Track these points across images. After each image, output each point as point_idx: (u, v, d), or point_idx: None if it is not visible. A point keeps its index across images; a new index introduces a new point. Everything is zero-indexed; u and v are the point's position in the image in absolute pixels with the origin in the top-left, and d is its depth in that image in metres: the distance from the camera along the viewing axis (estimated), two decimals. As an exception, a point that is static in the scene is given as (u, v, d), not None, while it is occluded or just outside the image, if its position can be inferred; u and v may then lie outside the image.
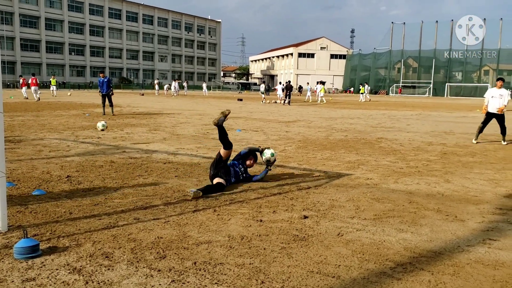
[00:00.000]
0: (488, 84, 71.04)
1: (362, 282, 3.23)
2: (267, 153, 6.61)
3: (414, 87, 78.94)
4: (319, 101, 38.78)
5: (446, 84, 73.95)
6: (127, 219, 4.58)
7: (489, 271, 3.49)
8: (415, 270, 3.45)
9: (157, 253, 3.68)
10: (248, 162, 6.52)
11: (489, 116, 11.91)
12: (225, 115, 6.19)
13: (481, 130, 11.96)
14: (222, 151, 6.20)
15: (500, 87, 11.92)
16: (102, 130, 9.67)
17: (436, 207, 5.35)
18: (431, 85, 75.68)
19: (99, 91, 19.27)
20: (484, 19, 71.38)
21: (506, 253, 3.86)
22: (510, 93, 11.77)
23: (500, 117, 11.85)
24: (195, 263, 3.50)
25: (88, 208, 4.96)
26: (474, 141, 11.83)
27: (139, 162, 7.86)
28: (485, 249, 3.96)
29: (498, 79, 12.34)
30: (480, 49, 72.46)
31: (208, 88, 69.38)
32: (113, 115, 18.70)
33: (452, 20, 73.99)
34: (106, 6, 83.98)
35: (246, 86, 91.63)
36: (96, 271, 3.31)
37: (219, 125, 6.17)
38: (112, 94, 19.26)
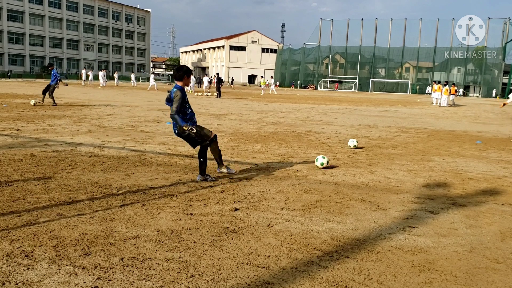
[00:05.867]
0: (409, 81, 75.27)
1: (290, 271, 3.30)
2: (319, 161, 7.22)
3: (341, 82, 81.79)
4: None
5: (371, 79, 77.38)
6: (49, 215, 4.35)
7: (409, 256, 3.70)
8: (341, 258, 3.59)
9: (82, 250, 3.53)
10: None
11: None
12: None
13: None
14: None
15: None
16: (355, 147, 9.43)
17: (360, 197, 5.58)
18: (357, 81, 78.84)
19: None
20: (406, 18, 75.26)
21: (423, 239, 4.12)
22: None
23: None
24: (122, 259, 3.39)
25: (5, 204, 4.65)
26: None
27: (63, 156, 7.49)
28: (405, 236, 4.20)
29: None
30: (401, 47, 76.29)
31: (137, 79, 67.51)
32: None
33: (377, 18, 77.41)
34: (25, -10, 78.72)
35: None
36: (14, 271, 3.11)
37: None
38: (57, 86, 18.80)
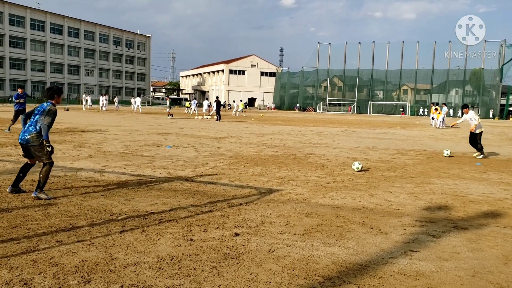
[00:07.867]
0: (407, 103, 75.65)
1: (292, 298, 3.27)
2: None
3: (339, 104, 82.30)
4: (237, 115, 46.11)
5: (369, 102, 77.81)
6: (49, 242, 4.33)
7: (411, 281, 3.67)
8: (343, 284, 3.56)
9: (82, 277, 3.51)
10: None
11: None
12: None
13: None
14: None
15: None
16: (358, 170, 9.40)
17: (361, 220, 5.56)
18: (355, 103, 79.31)
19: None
20: (403, 41, 76.16)
21: (425, 264, 4.09)
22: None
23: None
24: (122, 286, 3.36)
25: (5, 231, 4.63)
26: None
27: (63, 181, 7.48)
28: (406, 260, 4.17)
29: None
30: (399, 70, 76.91)
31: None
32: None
33: (374, 41, 78.31)
34: (27, 17, 79.70)
35: (176, 102, 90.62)
36: (13, 300, 3.08)
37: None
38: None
